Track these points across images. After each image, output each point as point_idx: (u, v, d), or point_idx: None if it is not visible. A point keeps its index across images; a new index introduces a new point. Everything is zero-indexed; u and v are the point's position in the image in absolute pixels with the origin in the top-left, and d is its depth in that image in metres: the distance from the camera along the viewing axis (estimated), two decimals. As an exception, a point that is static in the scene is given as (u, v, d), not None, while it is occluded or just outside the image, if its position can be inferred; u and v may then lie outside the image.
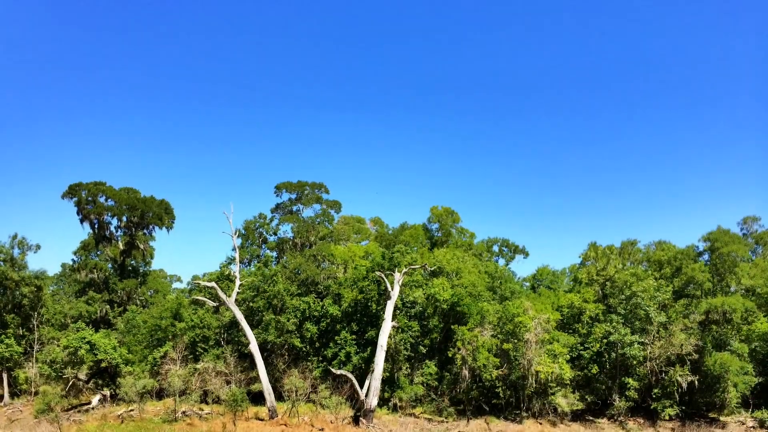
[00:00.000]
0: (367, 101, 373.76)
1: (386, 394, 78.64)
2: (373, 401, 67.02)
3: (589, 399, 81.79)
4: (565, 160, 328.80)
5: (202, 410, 68.85)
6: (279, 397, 73.44)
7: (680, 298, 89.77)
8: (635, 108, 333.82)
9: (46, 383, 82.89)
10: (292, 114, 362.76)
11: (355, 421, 66.38)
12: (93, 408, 74.07)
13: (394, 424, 71.56)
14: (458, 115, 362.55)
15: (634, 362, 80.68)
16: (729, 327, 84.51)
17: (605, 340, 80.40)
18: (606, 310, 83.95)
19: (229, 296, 75.29)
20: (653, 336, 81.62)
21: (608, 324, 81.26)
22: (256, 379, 74.72)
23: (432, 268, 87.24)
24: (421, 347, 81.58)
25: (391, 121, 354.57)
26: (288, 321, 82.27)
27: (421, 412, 78.50)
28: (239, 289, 79.51)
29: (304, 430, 58.00)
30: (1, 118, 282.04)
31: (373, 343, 76.62)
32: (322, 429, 58.72)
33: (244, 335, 74.36)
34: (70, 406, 75.57)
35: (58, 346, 79.55)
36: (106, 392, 78.56)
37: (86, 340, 76.43)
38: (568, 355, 78.03)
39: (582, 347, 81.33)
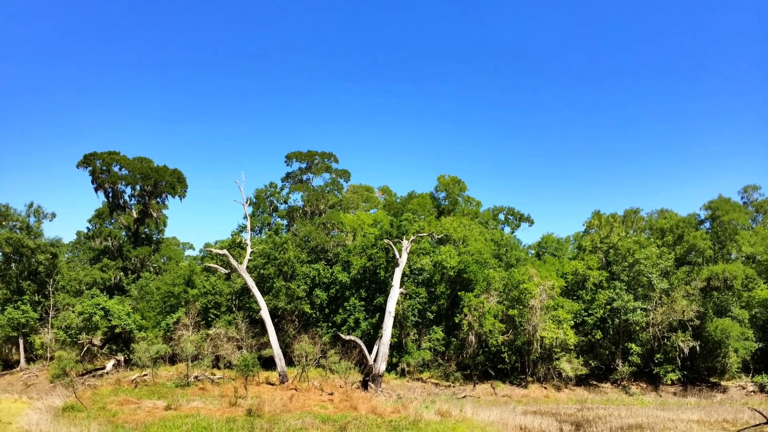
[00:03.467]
0: (376, 71, 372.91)
1: (394, 359, 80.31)
2: (381, 366, 68.48)
3: (593, 364, 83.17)
4: (569, 129, 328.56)
5: (214, 375, 70.36)
6: (289, 362, 74.97)
7: (682, 265, 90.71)
8: (638, 76, 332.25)
9: (62, 349, 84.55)
10: (303, 84, 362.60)
11: (364, 385, 67.89)
12: (107, 373, 75.63)
13: (402, 388, 73.17)
14: (465, 85, 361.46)
15: (637, 328, 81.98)
16: (730, 293, 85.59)
17: (608, 307, 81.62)
18: (609, 277, 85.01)
19: (241, 263, 76.61)
20: (655, 302, 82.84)
21: (612, 290, 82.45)
22: (267, 344, 76.32)
23: (439, 236, 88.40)
24: (428, 313, 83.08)
25: (400, 91, 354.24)
26: (298, 287, 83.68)
27: (429, 377, 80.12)
28: (250, 256, 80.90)
29: (313, 395, 59.33)
30: (18, 88, 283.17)
31: (382, 309, 78.22)
32: (332, 393, 60.15)
33: (255, 302, 75.81)
34: (84, 371, 77.32)
35: (73, 312, 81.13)
36: (120, 357, 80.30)
37: (101, 306, 78.05)
38: (572, 321, 79.29)
39: (586, 313, 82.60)
